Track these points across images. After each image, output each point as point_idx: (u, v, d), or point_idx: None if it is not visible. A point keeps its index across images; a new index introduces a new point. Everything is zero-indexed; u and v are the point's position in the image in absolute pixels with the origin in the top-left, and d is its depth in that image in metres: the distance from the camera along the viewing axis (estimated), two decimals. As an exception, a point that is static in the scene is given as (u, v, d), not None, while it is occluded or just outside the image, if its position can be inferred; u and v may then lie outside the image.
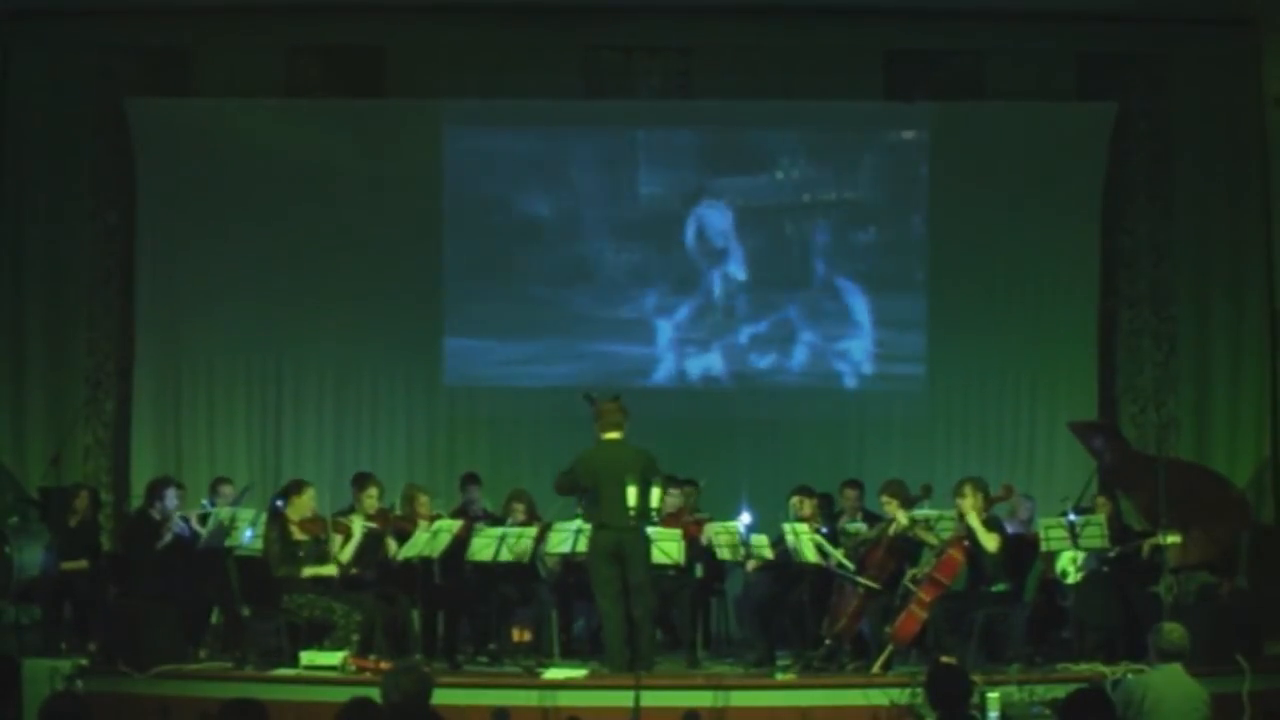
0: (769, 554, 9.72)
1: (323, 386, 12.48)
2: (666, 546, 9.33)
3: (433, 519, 9.66)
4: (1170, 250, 12.42)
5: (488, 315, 12.47)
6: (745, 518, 9.84)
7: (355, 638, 8.89)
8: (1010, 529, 9.90)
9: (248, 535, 9.59)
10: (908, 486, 9.52)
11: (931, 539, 9.30)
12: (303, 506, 9.28)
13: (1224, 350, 12.33)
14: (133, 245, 12.45)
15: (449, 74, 12.37)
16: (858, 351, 12.47)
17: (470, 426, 12.51)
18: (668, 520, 9.78)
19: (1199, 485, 9.99)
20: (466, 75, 12.35)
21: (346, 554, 9.30)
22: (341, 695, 6.99)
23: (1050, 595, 10.17)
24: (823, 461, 11.73)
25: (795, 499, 9.94)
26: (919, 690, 7.75)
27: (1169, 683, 6.62)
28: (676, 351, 12.48)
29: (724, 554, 9.89)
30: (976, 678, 7.71)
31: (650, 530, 9.17)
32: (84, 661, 8.86)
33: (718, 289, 12.51)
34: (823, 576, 9.51)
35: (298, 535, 9.18)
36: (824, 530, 9.83)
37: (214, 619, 9.88)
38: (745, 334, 12.51)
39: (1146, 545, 9.56)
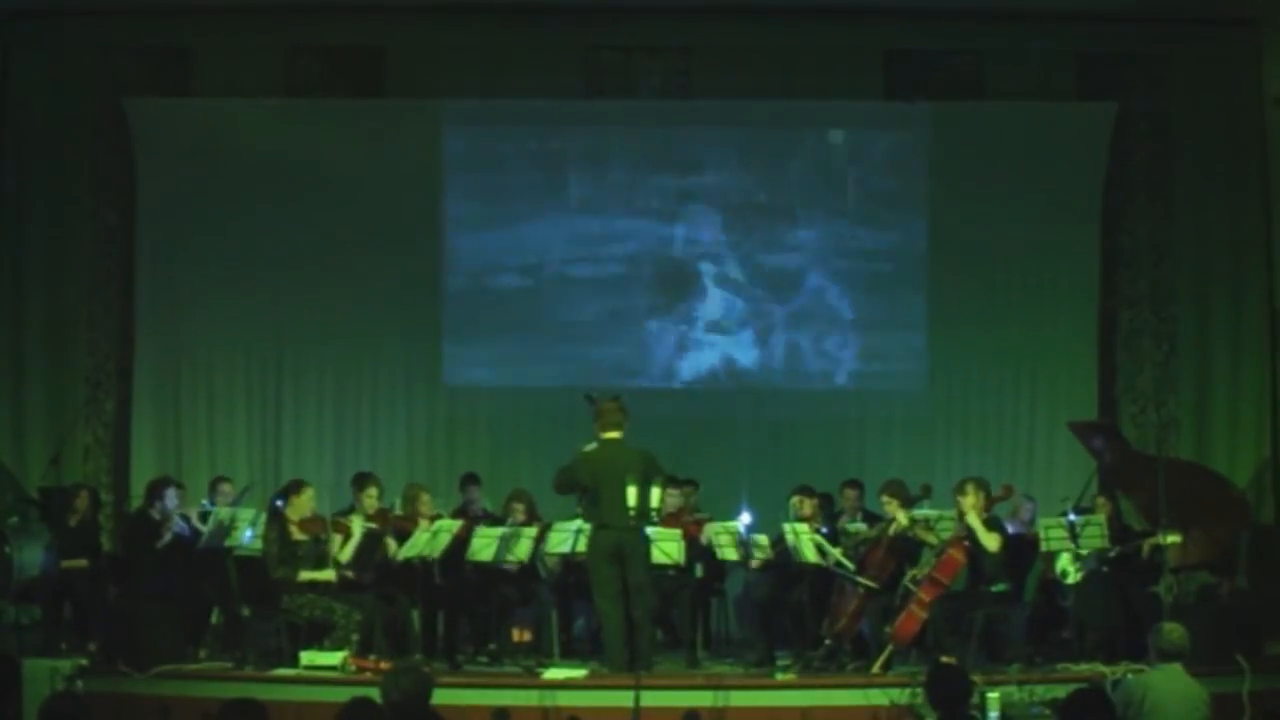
0: (769, 554, 9.72)
1: (323, 386, 12.48)
2: (666, 546, 9.34)
3: (433, 519, 9.66)
4: (1170, 250, 12.43)
5: (488, 315, 12.47)
6: (745, 518, 9.85)
7: (355, 638, 8.88)
8: (1011, 529, 9.90)
9: (248, 535, 9.60)
10: (908, 486, 9.53)
11: (931, 539, 9.31)
12: (302, 506, 9.28)
13: (1224, 350, 12.33)
14: (133, 245, 12.46)
15: (449, 74, 12.37)
16: (857, 351, 12.47)
17: (470, 426, 12.51)
18: (667, 520, 9.78)
19: (1199, 485, 9.99)
20: (466, 75, 12.35)
21: (346, 554, 9.30)
22: (341, 695, 7.00)
23: (1050, 595, 10.17)
24: (823, 461, 11.73)
25: (795, 499, 9.94)
26: (919, 690, 7.75)
27: (1169, 683, 6.62)
28: (677, 351, 12.48)
29: (726, 553, 9.89)
30: (976, 678, 7.72)
31: (650, 530, 9.17)
32: (84, 661, 8.86)
33: (717, 288, 12.50)
34: (823, 576, 9.51)
35: (297, 535, 9.18)
36: (824, 530, 9.84)
37: (214, 619, 9.87)
38: (745, 334, 12.51)
39: (1146, 545, 9.56)
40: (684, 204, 12.48)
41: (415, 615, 9.56)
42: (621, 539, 8.91)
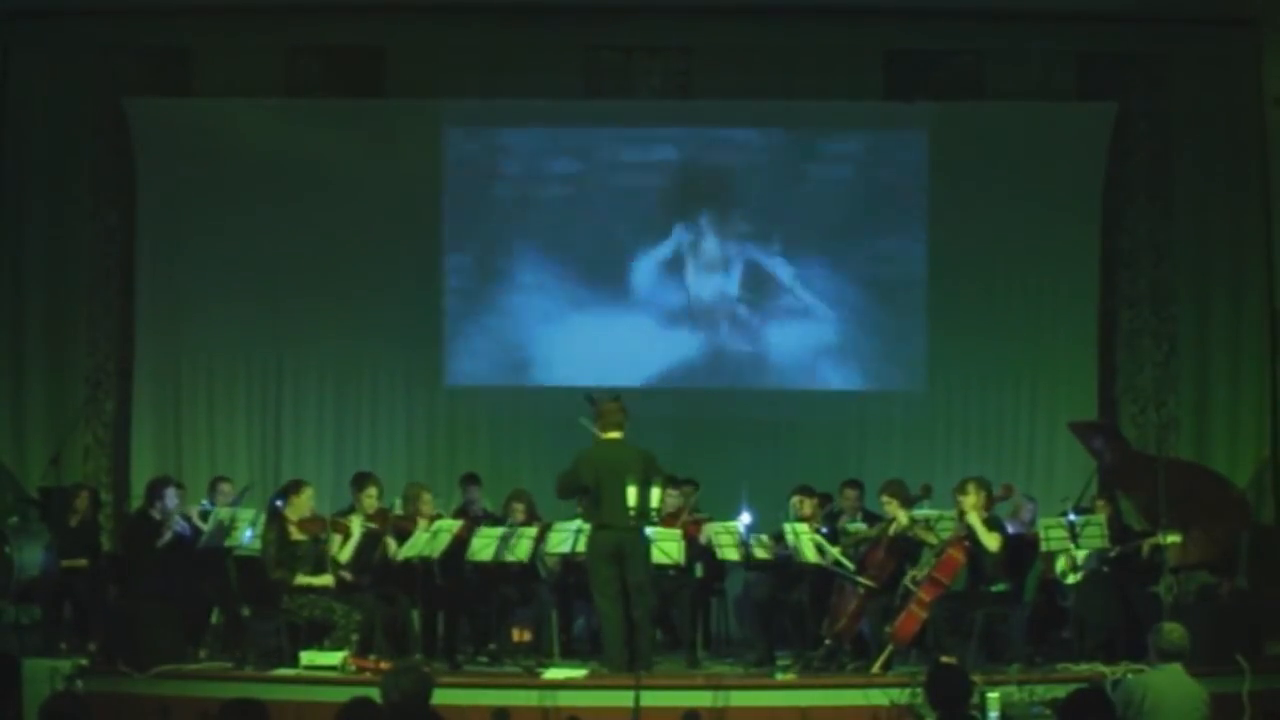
0: (769, 554, 9.72)
1: (323, 386, 12.49)
2: (666, 546, 9.34)
3: (434, 519, 9.65)
4: (1170, 250, 12.43)
5: (488, 315, 12.47)
6: (745, 518, 9.85)
7: (355, 638, 8.88)
8: (1011, 529, 9.90)
9: (247, 535, 9.60)
10: (908, 486, 9.52)
11: (931, 539, 9.30)
12: (301, 506, 9.28)
13: (1224, 350, 12.33)
14: (133, 245, 12.46)
15: (449, 74, 12.37)
16: (857, 351, 12.47)
17: (470, 426, 12.51)
18: (667, 520, 9.77)
19: (1199, 485, 9.99)
20: (466, 75, 12.36)
21: (346, 554, 9.30)
22: (341, 695, 6.99)
23: (1050, 595, 10.16)
24: (823, 461, 11.73)
25: (795, 499, 9.94)
26: (919, 690, 7.74)
27: (1169, 683, 6.61)
28: (676, 352, 12.47)
29: (726, 553, 9.89)
30: (976, 678, 7.71)
31: (650, 530, 9.15)
32: (84, 661, 8.86)
33: (717, 289, 12.50)
34: (823, 576, 9.51)
35: (296, 535, 9.17)
36: (824, 530, 9.84)
37: (214, 619, 9.87)
38: (745, 334, 12.51)
39: (1146, 545, 9.56)
40: (683, 204, 12.47)
41: (415, 615, 9.56)
42: (621, 539, 8.91)
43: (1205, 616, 8.99)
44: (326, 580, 9.09)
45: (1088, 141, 12.35)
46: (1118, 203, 12.46)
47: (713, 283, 12.51)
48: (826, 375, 12.50)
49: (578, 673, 8.86)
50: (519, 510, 10.28)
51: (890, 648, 8.95)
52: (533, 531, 9.72)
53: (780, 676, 9.01)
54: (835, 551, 9.46)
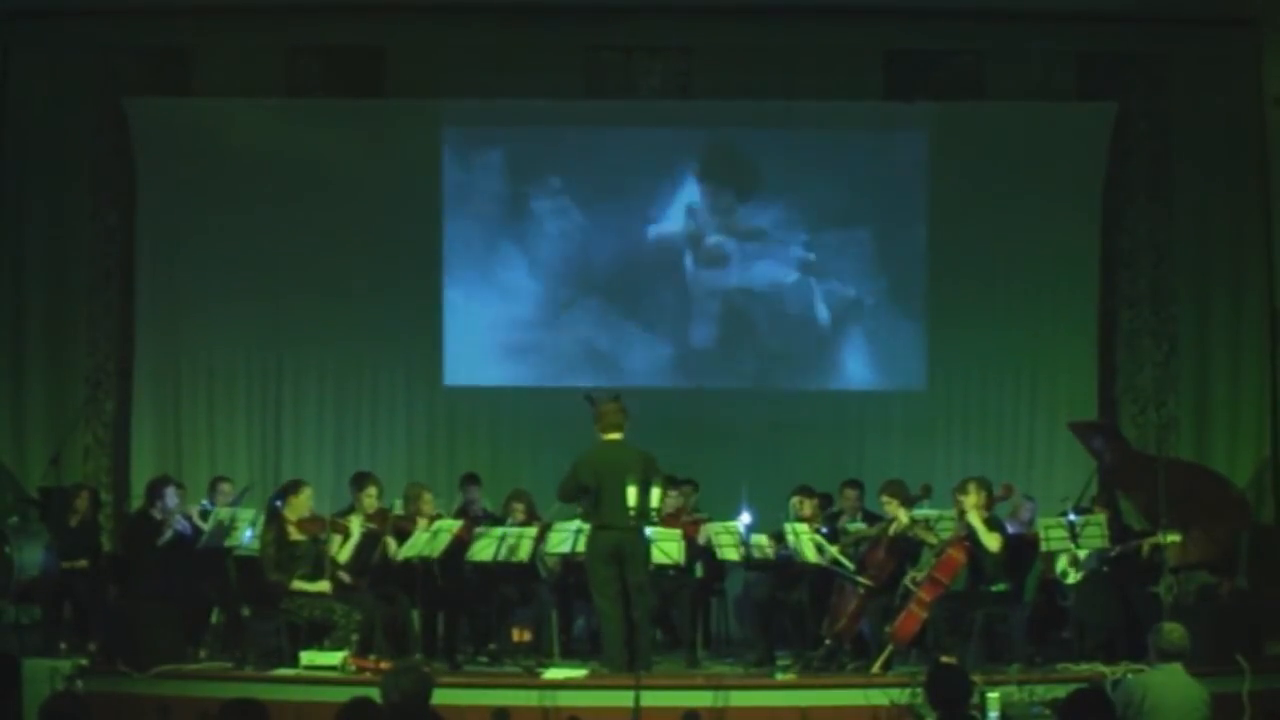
0: (769, 554, 9.72)
1: (323, 386, 12.49)
2: (666, 546, 9.34)
3: (434, 519, 9.65)
4: (1170, 250, 12.43)
5: (488, 315, 12.47)
6: (745, 518, 9.84)
7: (355, 638, 8.88)
8: (1011, 529, 9.90)
9: (247, 535, 9.62)
10: (908, 486, 9.52)
11: (931, 539, 9.30)
12: (300, 506, 9.27)
13: (1224, 350, 12.33)
14: (133, 245, 12.46)
15: (449, 74, 12.36)
16: (857, 351, 12.47)
17: (470, 426, 12.51)
18: (666, 520, 9.77)
19: (1199, 485, 9.99)
20: (466, 75, 12.34)
21: (345, 554, 9.30)
22: (341, 695, 7.00)
23: (1050, 595, 10.17)
24: (823, 461, 11.72)
25: (795, 499, 9.94)
26: (919, 690, 7.74)
27: (1169, 683, 6.61)
28: (675, 351, 12.48)
29: (726, 553, 9.89)
30: (976, 678, 7.71)
31: (650, 530, 9.15)
32: (84, 661, 8.85)
33: (717, 289, 12.50)
34: (823, 576, 9.51)
35: (295, 535, 9.16)
36: (824, 530, 9.84)
37: (214, 619, 9.88)
38: (744, 334, 12.51)
39: (1146, 545, 9.55)
40: (683, 205, 12.47)
41: (415, 615, 9.56)
42: (622, 539, 8.91)
43: (1205, 616, 8.99)
44: (322, 587, 9.05)
45: (1088, 141, 12.35)
46: (1118, 203, 12.46)
47: (712, 282, 12.51)
48: (826, 375, 12.51)
49: (578, 673, 8.86)
50: (519, 510, 10.28)
51: (890, 648, 8.95)
52: (533, 531, 9.72)
53: (780, 676, 9.01)
54: (834, 550, 9.46)
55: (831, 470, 11.24)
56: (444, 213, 12.46)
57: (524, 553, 9.61)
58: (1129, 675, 7.93)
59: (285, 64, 12.42)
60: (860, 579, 9.24)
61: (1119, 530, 9.80)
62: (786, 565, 9.67)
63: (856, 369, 12.50)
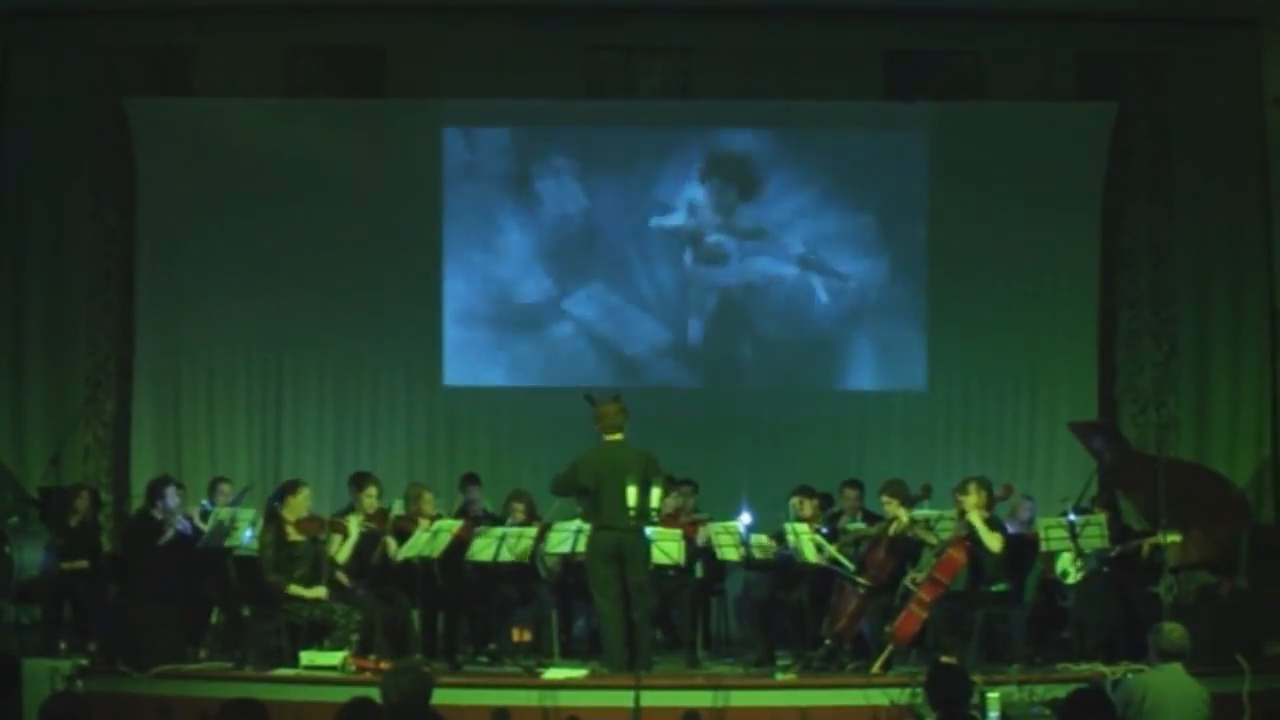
0: (769, 554, 9.72)
1: (323, 387, 12.49)
2: (666, 546, 9.34)
3: (434, 519, 9.65)
4: (1170, 250, 12.44)
5: (488, 315, 12.47)
6: (745, 518, 9.84)
7: (355, 638, 8.87)
8: (1011, 529, 9.90)
9: (247, 535, 9.61)
10: (908, 486, 9.52)
11: (931, 539, 9.30)
12: (298, 506, 9.25)
13: (1224, 350, 12.34)
14: (133, 245, 12.47)
15: (449, 74, 12.36)
16: (857, 351, 12.47)
17: (470, 426, 12.52)
18: (666, 520, 9.77)
19: (1199, 485, 9.98)
20: (466, 75, 12.35)
21: (344, 553, 9.29)
22: (341, 695, 7.00)
23: (1050, 595, 10.17)
24: (823, 462, 11.73)
25: (795, 499, 9.94)
26: (919, 690, 7.74)
27: (1169, 683, 6.61)
28: (676, 350, 12.49)
29: (726, 553, 9.88)
30: (976, 678, 7.71)
31: (650, 530, 9.15)
32: (84, 661, 8.85)
33: (717, 288, 12.51)
34: (823, 576, 9.51)
35: (294, 536, 9.15)
36: (824, 530, 9.84)
37: (214, 619, 9.87)
38: (744, 334, 12.52)
39: (1146, 545, 9.55)
40: (683, 204, 12.47)
41: (415, 615, 9.56)
42: (622, 540, 8.91)
43: (1205, 616, 8.98)
44: (318, 593, 9.03)
45: (1088, 141, 12.36)
46: (1118, 203, 12.46)
47: (713, 283, 12.51)
48: (826, 375, 12.51)
49: (578, 673, 8.85)
50: (519, 510, 10.28)
51: (890, 648, 8.95)
52: (533, 531, 9.72)
53: (780, 676, 9.00)
54: (832, 549, 9.45)
55: (831, 470, 11.23)
56: (444, 212, 12.46)
57: (524, 552, 9.60)
58: (1129, 675, 7.93)
59: (285, 64, 12.42)
60: (859, 579, 9.24)
61: (1119, 530, 9.80)
62: (786, 565, 9.67)
63: (856, 369, 12.51)
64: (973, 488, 9.16)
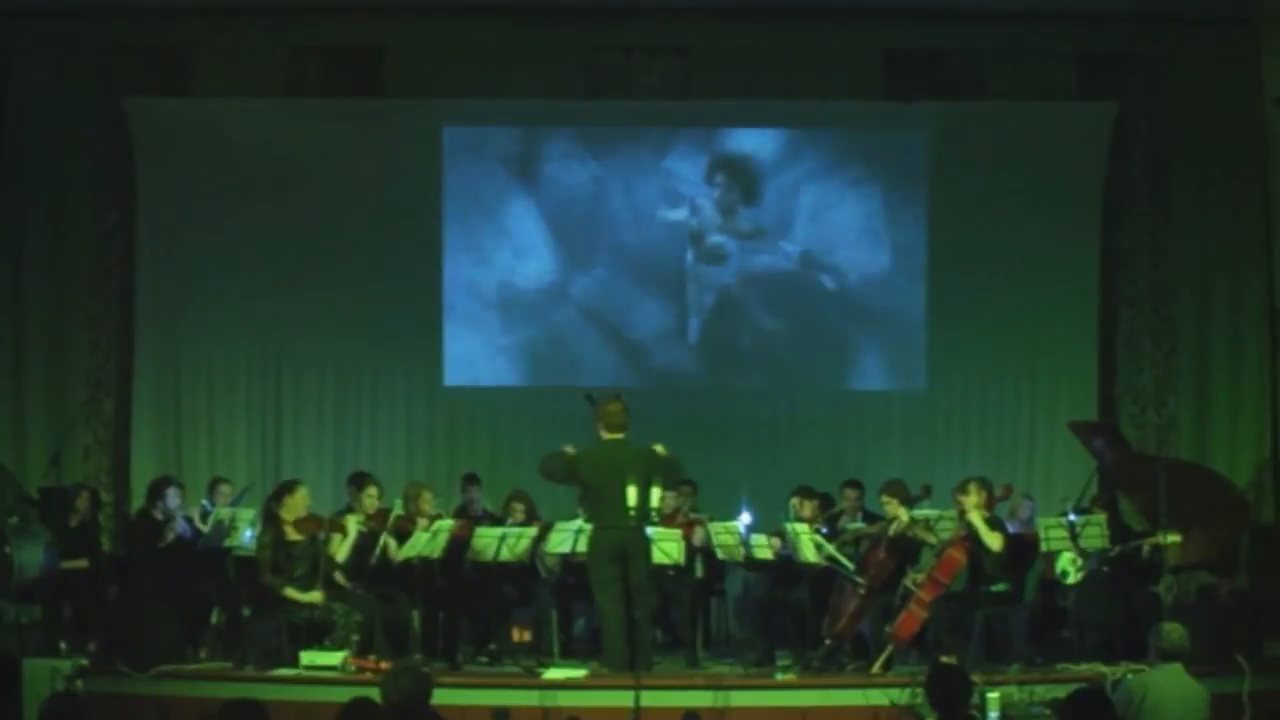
0: (769, 554, 9.72)
1: (323, 387, 12.49)
2: (666, 546, 9.33)
3: (434, 519, 9.65)
4: (1170, 250, 12.43)
5: (488, 315, 12.48)
6: (745, 518, 9.84)
7: (355, 638, 8.86)
8: (1011, 529, 9.90)
9: (247, 536, 9.62)
10: (908, 486, 9.52)
11: (931, 539, 9.31)
12: (296, 506, 9.23)
13: (1224, 350, 12.34)
14: (133, 245, 12.46)
15: (449, 74, 12.36)
16: (857, 351, 12.48)
17: (470, 426, 12.52)
18: (665, 520, 9.77)
19: (1199, 485, 9.97)
20: (466, 75, 12.35)
21: (343, 553, 9.28)
22: (341, 695, 6.99)
23: (1050, 595, 10.17)
24: (823, 462, 11.74)
25: (795, 500, 9.94)
26: (919, 690, 7.73)
27: (1169, 683, 6.62)
28: (676, 350, 12.48)
29: (726, 554, 9.88)
30: (976, 678, 7.70)
31: (651, 530, 9.15)
32: (84, 661, 8.83)
33: (717, 287, 12.51)
34: (823, 576, 9.50)
35: (292, 536, 9.14)
36: (824, 531, 9.84)
37: (214, 619, 9.87)
38: (745, 332, 12.52)
39: (1146, 545, 9.55)
40: (683, 204, 12.47)
41: (415, 615, 9.56)
42: (625, 539, 8.90)
43: (1205, 616, 8.99)
44: (314, 598, 9.01)
45: (1088, 141, 12.36)
46: (1118, 203, 12.46)
47: (712, 282, 12.51)
48: (826, 375, 12.51)
49: (578, 673, 8.85)
50: (519, 510, 10.29)
51: (890, 648, 8.95)
52: (532, 531, 9.72)
53: (780, 676, 9.00)
54: (831, 548, 9.45)
55: (831, 470, 11.23)
56: (444, 212, 12.46)
57: (524, 552, 9.60)
58: (1129, 675, 7.92)
59: (285, 64, 12.41)
60: (858, 578, 9.24)
61: (1119, 530, 9.80)
62: (786, 565, 9.67)
63: (856, 369, 12.51)
64: (973, 488, 9.16)
